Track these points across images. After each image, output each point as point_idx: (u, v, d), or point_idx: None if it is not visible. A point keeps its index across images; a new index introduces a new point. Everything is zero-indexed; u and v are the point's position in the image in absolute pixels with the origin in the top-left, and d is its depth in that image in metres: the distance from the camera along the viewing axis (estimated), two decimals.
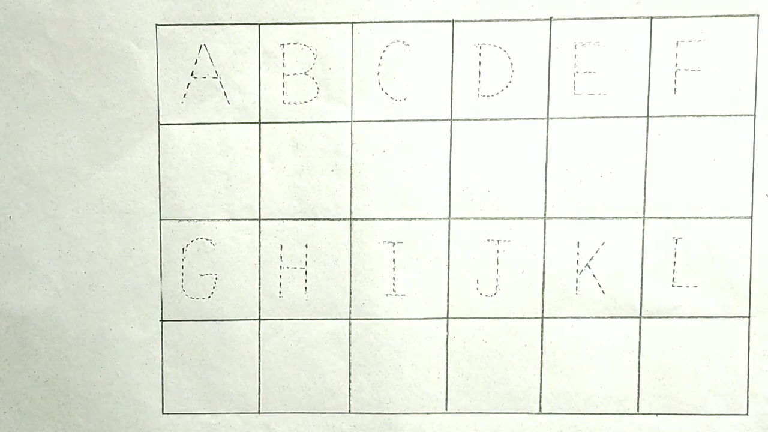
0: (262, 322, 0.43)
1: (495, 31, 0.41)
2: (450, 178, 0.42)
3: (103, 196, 0.42)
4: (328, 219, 0.42)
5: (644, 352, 0.42)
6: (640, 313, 0.42)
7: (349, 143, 0.42)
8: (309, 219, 0.42)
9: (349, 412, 0.43)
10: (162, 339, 0.43)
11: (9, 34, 0.42)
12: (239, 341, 0.43)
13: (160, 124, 0.42)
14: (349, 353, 0.43)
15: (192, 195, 0.42)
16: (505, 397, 0.43)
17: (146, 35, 0.41)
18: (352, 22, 0.41)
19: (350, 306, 0.42)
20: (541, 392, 0.42)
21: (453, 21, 0.41)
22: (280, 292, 0.43)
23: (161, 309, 0.43)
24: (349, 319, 0.43)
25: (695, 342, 0.42)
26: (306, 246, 0.42)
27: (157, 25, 0.41)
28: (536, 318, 0.42)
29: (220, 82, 0.42)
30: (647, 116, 0.41)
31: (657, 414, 0.43)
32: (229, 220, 0.42)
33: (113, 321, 0.43)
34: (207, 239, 0.42)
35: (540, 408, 0.43)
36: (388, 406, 0.43)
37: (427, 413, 0.43)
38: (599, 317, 0.42)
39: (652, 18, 0.41)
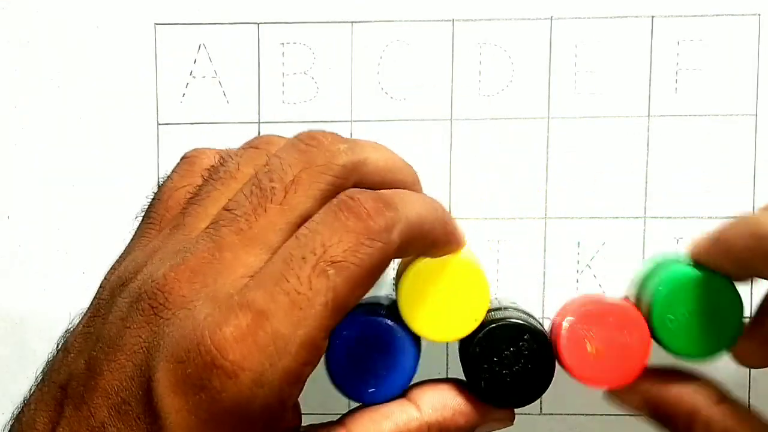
0: None
1: (495, 30, 0.41)
2: (450, 178, 0.42)
3: (103, 196, 0.42)
4: None
5: None
6: None
7: None
8: None
9: None
10: None
11: (9, 34, 0.42)
12: None
13: (159, 124, 0.42)
14: None
15: None
16: None
17: (145, 35, 0.41)
18: (352, 22, 0.41)
19: None
20: None
21: (453, 20, 0.41)
22: None
23: None
24: None
25: None
26: None
27: (155, 24, 0.41)
28: None
29: (220, 82, 0.42)
30: (648, 116, 0.41)
31: None
32: None
33: None
34: None
35: (540, 408, 0.42)
36: None
37: None
38: None
39: (653, 17, 0.41)
